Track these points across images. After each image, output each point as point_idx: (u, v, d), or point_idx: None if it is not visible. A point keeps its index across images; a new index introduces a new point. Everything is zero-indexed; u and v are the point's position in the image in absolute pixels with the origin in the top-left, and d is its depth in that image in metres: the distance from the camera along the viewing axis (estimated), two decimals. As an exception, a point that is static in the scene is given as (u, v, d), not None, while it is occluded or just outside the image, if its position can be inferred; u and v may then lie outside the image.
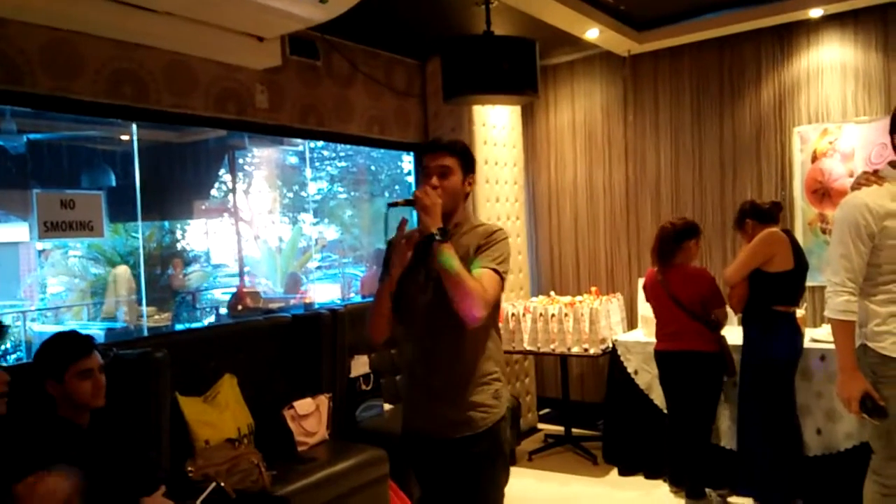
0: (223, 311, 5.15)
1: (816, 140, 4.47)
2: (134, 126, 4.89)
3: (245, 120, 3.89)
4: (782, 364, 3.49)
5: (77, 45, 3.07)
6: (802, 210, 4.50)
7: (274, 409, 3.38)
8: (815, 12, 4.31)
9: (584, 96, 5.35)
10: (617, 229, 5.25)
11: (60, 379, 2.23)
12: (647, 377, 4.17)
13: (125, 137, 5.98)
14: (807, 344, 3.64)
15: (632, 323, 4.88)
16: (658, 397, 4.07)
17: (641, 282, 4.12)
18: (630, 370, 4.27)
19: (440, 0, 3.99)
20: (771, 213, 3.60)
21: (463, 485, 2.08)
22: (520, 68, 3.98)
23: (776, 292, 3.47)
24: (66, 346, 2.30)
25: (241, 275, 8.01)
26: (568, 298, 4.67)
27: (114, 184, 6.23)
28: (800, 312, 3.66)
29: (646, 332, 4.31)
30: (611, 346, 4.37)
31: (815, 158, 4.48)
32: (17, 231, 7.40)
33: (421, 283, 2.09)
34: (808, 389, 3.65)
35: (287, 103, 4.07)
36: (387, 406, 4.16)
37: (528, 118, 5.47)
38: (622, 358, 4.30)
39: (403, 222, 2.07)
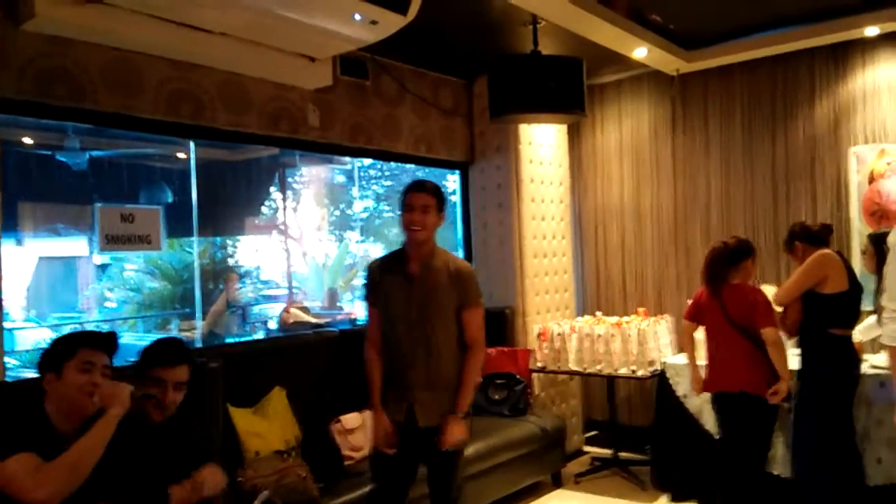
0: (272, 325, 5.25)
1: (873, 161, 4.34)
2: (192, 144, 5.06)
3: (297, 138, 3.98)
4: (839, 388, 3.38)
5: (137, 64, 3.20)
6: (860, 232, 4.36)
7: (322, 423, 3.42)
8: (871, 31, 4.21)
9: (632, 115, 5.31)
10: (665, 250, 5.17)
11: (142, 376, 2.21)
12: (697, 401, 4.07)
13: (181, 155, 6.18)
14: (866, 370, 3.52)
15: (681, 345, 4.77)
16: (709, 422, 3.96)
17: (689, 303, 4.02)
18: (679, 394, 4.17)
19: (488, 21, 4.03)
20: (820, 235, 3.52)
21: None
22: (567, 87, 3.99)
23: (832, 314, 3.37)
24: (155, 350, 2.31)
25: (290, 290, 8.16)
26: (615, 319, 4.61)
27: (170, 200, 6.45)
28: (858, 337, 3.54)
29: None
30: (659, 368, 4.29)
31: (871, 179, 4.34)
32: (75, 245, 7.69)
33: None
34: (868, 417, 3.52)
35: (337, 122, 4.15)
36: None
37: (575, 137, 5.46)
38: (671, 381, 4.21)
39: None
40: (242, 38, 3.25)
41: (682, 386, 4.16)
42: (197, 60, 3.37)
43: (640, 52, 4.41)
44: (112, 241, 3.13)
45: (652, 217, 5.23)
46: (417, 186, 2.75)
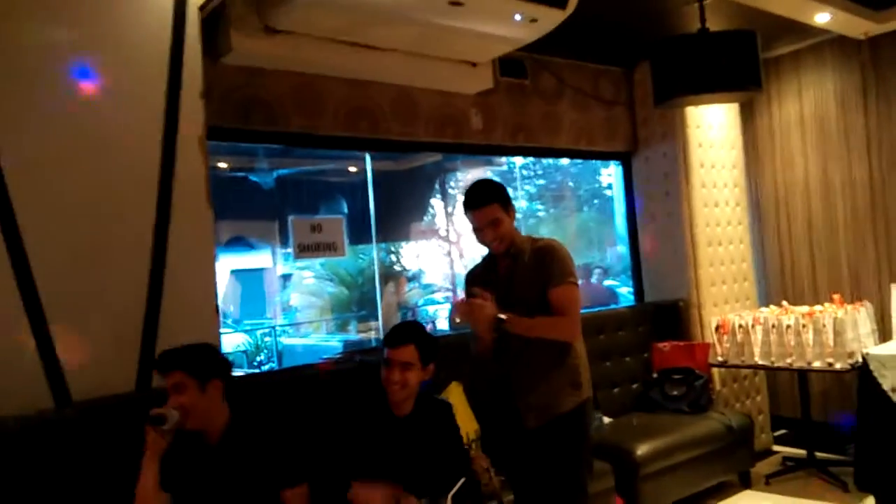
0: (441, 325, 5.46)
1: None
2: (367, 156, 5.42)
3: (462, 143, 4.11)
4: None
5: (320, 87, 3.47)
6: None
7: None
8: None
9: (813, 87, 4.89)
10: (861, 230, 4.70)
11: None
12: (909, 395, 3.67)
13: (352, 169, 6.65)
14: None
15: (884, 335, 4.32)
16: (925, 418, 3.55)
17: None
18: (886, 387, 3.76)
19: (649, 3, 3.91)
20: None
21: None
22: (739, 63, 3.77)
23: None
24: (388, 333, 2.58)
25: (454, 290, 8.44)
26: (805, 308, 4.26)
27: (346, 211, 6.95)
28: None
29: (905, 345, 3.80)
30: (861, 360, 3.91)
31: None
32: (261, 258, 8.48)
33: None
34: None
35: (499, 123, 4.23)
36: (606, 419, 4.10)
37: (748, 116, 5.12)
38: (875, 373, 3.81)
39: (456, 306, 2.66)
40: (410, 52, 3.42)
41: (888, 379, 3.76)
42: (370, 77, 3.59)
43: (822, 17, 4.06)
44: (304, 250, 3.42)
45: (844, 194, 4.78)
46: (471, 203, 2.54)
